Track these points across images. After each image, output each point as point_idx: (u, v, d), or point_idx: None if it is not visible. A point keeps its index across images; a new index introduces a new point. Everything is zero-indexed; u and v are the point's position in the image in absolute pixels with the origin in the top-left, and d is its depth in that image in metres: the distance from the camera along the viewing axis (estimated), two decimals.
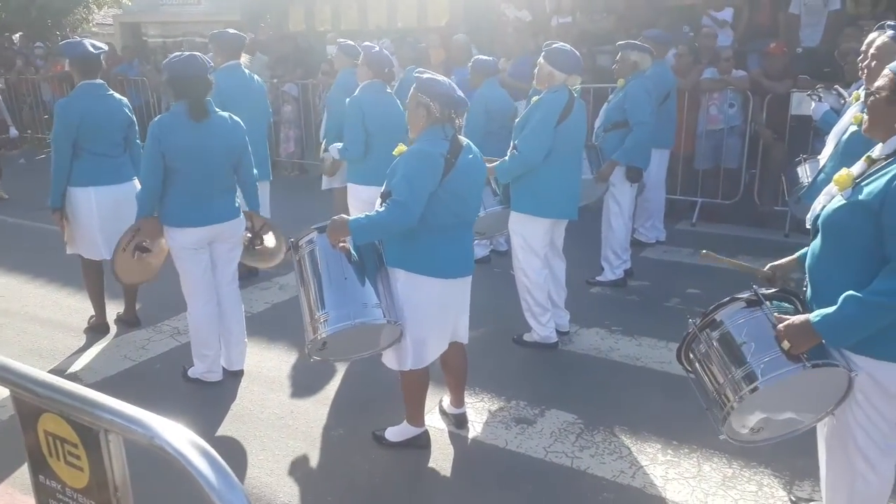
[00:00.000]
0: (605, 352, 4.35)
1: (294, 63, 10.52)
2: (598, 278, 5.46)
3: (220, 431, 3.52)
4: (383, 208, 2.92)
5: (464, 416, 3.52)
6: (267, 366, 4.22)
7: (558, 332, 4.42)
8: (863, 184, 2.15)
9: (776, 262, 2.56)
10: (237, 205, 3.89)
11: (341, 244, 2.97)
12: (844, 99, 4.28)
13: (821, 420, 2.40)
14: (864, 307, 2.09)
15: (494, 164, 4.07)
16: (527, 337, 4.40)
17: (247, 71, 5.32)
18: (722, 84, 7.03)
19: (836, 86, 4.38)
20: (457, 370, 3.43)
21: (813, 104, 4.19)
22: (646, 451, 3.28)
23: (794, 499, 2.90)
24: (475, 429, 3.50)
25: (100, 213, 4.35)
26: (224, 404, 3.77)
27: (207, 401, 3.82)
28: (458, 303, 3.23)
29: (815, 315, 2.17)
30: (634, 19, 8.62)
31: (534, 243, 4.20)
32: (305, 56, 10.74)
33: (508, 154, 4.10)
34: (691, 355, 2.48)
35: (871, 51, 3.14)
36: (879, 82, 2.16)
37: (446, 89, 3.00)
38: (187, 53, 3.67)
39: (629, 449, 3.30)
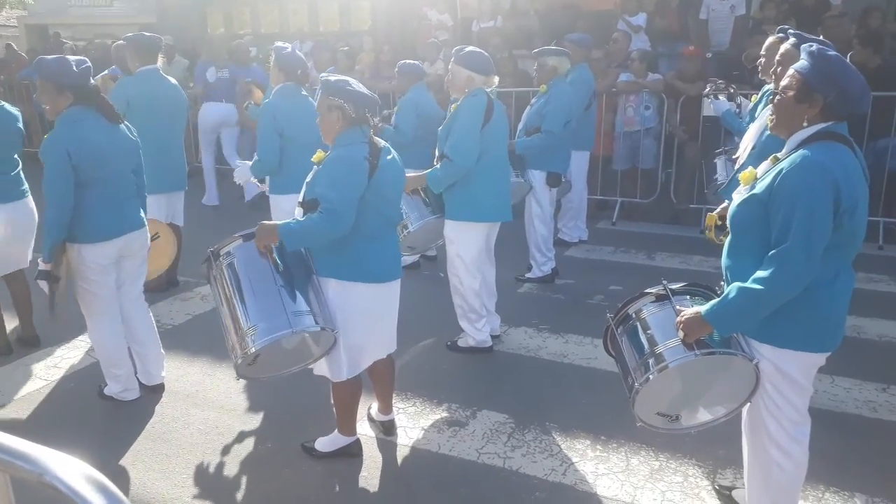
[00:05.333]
0: (533, 350, 4.40)
1: None
2: (528, 275, 5.57)
3: (140, 451, 3.35)
4: (316, 216, 2.83)
5: (392, 423, 3.48)
6: (189, 380, 4.06)
7: (490, 336, 4.43)
8: (760, 179, 2.27)
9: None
10: (141, 214, 3.72)
11: (270, 255, 2.86)
12: (738, 102, 4.47)
13: (736, 411, 2.50)
14: (744, 296, 2.20)
15: (425, 173, 4.05)
16: (461, 342, 4.39)
17: (164, 76, 5.11)
18: (637, 87, 7.26)
19: (732, 86, 4.56)
20: (385, 377, 3.38)
21: (711, 104, 4.37)
22: (575, 448, 3.33)
23: (717, 487, 3.00)
24: (408, 434, 3.47)
25: None
26: (143, 422, 3.61)
27: (126, 419, 3.64)
28: (390, 307, 3.19)
29: (706, 306, 2.29)
30: (553, 24, 8.81)
31: (471, 249, 4.18)
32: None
33: (437, 163, 4.07)
34: (614, 347, 2.59)
35: (777, 57, 3.31)
36: (785, 82, 2.27)
37: (358, 88, 2.94)
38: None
39: (559, 446, 3.35)
